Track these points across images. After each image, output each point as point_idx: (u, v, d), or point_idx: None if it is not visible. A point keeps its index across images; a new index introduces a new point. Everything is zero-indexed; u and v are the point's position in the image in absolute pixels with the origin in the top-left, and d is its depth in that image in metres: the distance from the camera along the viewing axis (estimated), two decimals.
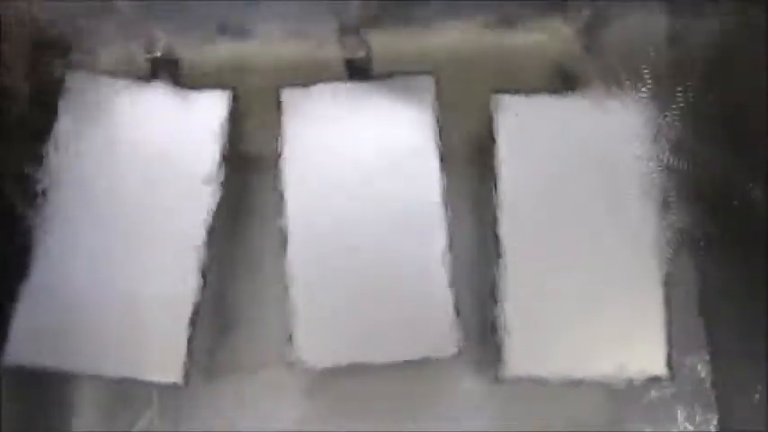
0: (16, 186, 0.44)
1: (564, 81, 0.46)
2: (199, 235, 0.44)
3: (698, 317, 0.50)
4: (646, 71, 0.45)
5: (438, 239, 0.43)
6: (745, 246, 0.47)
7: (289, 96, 0.45)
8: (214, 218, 0.44)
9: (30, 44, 0.47)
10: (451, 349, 0.42)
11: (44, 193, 0.44)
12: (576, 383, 0.42)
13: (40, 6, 0.47)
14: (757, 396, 0.44)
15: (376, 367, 0.43)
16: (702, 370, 0.50)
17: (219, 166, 0.45)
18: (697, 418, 0.49)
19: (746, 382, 0.46)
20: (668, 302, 0.42)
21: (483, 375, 0.49)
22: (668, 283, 0.42)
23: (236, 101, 0.46)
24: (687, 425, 0.49)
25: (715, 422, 0.49)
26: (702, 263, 0.51)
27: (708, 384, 0.49)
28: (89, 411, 0.49)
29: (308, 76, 0.46)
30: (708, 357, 0.50)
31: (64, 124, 0.45)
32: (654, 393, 0.49)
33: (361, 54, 0.45)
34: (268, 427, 0.48)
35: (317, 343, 0.42)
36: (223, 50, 0.52)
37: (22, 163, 0.45)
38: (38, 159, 0.45)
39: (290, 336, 0.42)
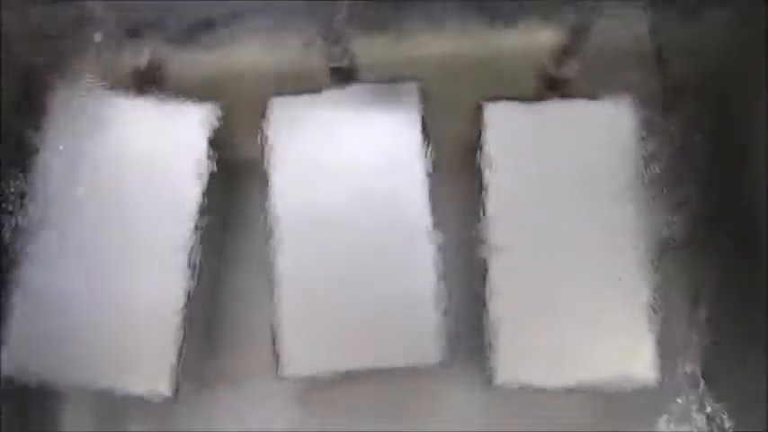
0: (4, 198, 0.44)
1: (550, 87, 0.46)
2: (187, 245, 0.44)
3: (689, 319, 0.50)
4: (631, 76, 0.45)
5: (425, 246, 0.43)
6: (736, 248, 0.47)
7: (275, 105, 0.45)
8: (202, 228, 0.44)
9: (17, 56, 0.48)
10: (438, 357, 0.42)
11: (32, 205, 0.44)
12: (567, 390, 0.42)
13: (26, 19, 0.48)
14: (752, 397, 0.44)
15: (364, 374, 0.43)
16: (695, 372, 0.50)
17: (206, 176, 0.45)
18: (691, 421, 0.49)
19: (739, 384, 0.46)
20: (657, 309, 0.42)
21: (474, 381, 0.49)
22: (657, 289, 0.42)
23: (222, 111, 0.46)
24: (680, 427, 0.49)
25: (708, 424, 0.49)
26: (693, 266, 0.50)
27: (700, 386, 0.49)
28: (77, 423, 0.50)
29: (295, 84, 0.46)
30: (700, 360, 0.50)
31: (51, 135, 0.45)
32: (645, 397, 0.49)
33: (346, 62, 0.45)
34: None
35: (305, 351, 0.42)
36: (210, 60, 0.52)
37: (11, 174, 0.45)
38: (26, 171, 0.45)
39: (277, 344, 0.42)
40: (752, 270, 0.45)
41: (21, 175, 0.45)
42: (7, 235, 0.44)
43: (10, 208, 0.44)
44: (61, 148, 0.45)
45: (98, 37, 0.46)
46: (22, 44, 0.47)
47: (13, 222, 0.44)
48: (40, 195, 0.44)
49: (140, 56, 0.46)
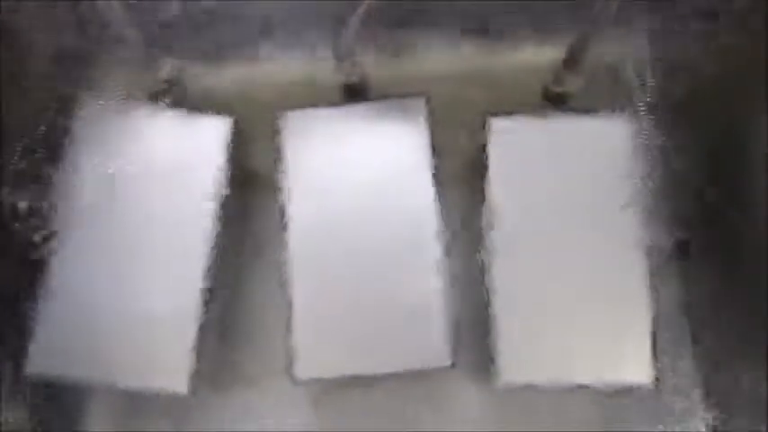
0: (31, 209, 0.46)
1: (552, 102, 0.47)
2: (204, 252, 0.45)
3: (685, 323, 0.52)
4: (630, 90, 0.47)
5: (433, 254, 0.45)
6: (731, 255, 0.48)
7: (288, 119, 0.47)
8: (219, 235, 0.46)
9: (42, 70, 0.49)
10: (446, 360, 0.43)
11: (57, 212, 0.46)
12: (569, 390, 0.44)
13: (50, 34, 0.49)
14: (746, 399, 0.46)
15: (376, 377, 0.44)
16: (694, 373, 0.51)
17: (223, 186, 0.47)
18: (687, 421, 0.50)
19: (734, 386, 0.48)
20: (655, 312, 0.43)
21: (480, 383, 0.50)
22: (655, 294, 0.44)
23: (238, 124, 0.48)
24: (680, 428, 0.50)
25: (703, 424, 0.50)
26: (689, 272, 0.52)
27: (700, 387, 0.51)
28: (98, 421, 0.52)
29: (307, 99, 0.48)
30: (699, 360, 0.51)
31: (75, 146, 0.47)
32: (646, 398, 0.50)
33: (357, 78, 0.46)
34: None
35: (319, 355, 0.44)
36: (227, 75, 0.53)
37: (38, 184, 0.47)
38: (51, 181, 0.46)
39: (291, 348, 0.44)
40: (751, 273, 0.46)
41: (47, 184, 0.46)
42: (35, 241, 0.45)
43: (37, 215, 0.46)
44: (85, 158, 0.47)
45: (122, 52, 0.48)
46: (48, 59, 0.49)
47: (40, 229, 0.46)
48: (65, 203, 0.46)
49: (163, 70, 0.47)
